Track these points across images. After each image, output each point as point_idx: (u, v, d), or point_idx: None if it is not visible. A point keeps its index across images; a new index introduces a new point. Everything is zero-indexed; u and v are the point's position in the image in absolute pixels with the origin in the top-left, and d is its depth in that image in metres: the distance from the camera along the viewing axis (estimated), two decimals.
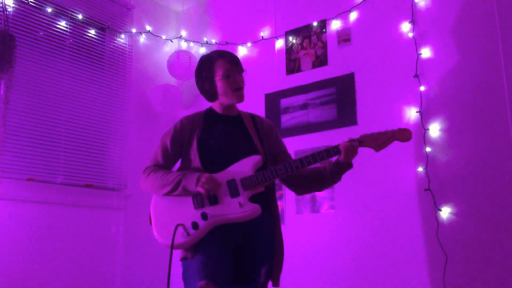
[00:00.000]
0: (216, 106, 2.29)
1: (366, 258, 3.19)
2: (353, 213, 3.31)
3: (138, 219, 3.72)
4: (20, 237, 3.21)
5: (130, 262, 3.83)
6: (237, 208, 2.00)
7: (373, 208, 3.23)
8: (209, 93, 2.24)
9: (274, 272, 2.14)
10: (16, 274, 3.15)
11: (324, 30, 3.70)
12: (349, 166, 2.09)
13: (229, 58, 2.22)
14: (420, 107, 3.14)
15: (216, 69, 2.19)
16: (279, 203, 3.55)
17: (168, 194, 2.09)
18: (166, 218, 2.08)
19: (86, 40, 3.87)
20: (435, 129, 3.08)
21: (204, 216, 1.99)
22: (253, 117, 2.33)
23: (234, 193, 2.03)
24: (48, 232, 3.36)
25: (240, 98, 2.22)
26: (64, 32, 3.71)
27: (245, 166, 2.07)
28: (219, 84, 2.19)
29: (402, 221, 3.09)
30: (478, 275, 2.79)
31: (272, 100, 3.85)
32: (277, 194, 3.56)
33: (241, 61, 2.30)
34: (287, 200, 3.60)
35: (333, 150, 2.04)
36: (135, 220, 3.86)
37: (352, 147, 2.02)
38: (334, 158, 2.09)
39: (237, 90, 2.19)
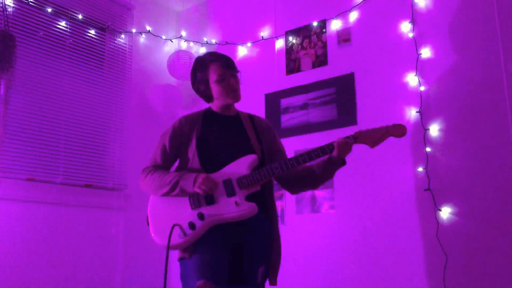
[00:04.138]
0: (214, 106, 2.30)
1: (366, 258, 3.19)
2: (353, 213, 3.31)
3: (138, 219, 3.69)
4: (20, 237, 3.21)
5: (130, 262, 3.83)
6: (233, 208, 2.00)
7: (373, 208, 3.22)
8: (205, 95, 2.27)
9: (271, 271, 2.14)
10: (16, 274, 3.15)
11: (324, 30, 3.70)
12: (342, 163, 2.09)
13: (222, 62, 2.22)
14: (420, 107, 3.13)
15: (210, 73, 2.21)
16: (279, 203, 3.56)
17: (166, 194, 2.10)
18: (163, 219, 2.08)
19: (86, 40, 3.87)
20: (435, 129, 3.08)
21: (201, 216, 2.00)
22: (251, 117, 2.34)
23: (230, 193, 2.04)
24: (48, 232, 3.36)
25: (236, 99, 2.24)
26: (64, 32, 3.71)
27: (241, 166, 2.08)
28: (214, 87, 2.22)
29: (402, 221, 3.09)
30: (478, 275, 2.79)
31: (272, 100, 3.85)
32: (277, 194, 3.56)
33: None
34: (287, 200, 3.60)
35: (328, 148, 2.05)
36: (135, 220, 3.85)
37: (347, 143, 2.03)
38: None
39: (232, 92, 2.21)
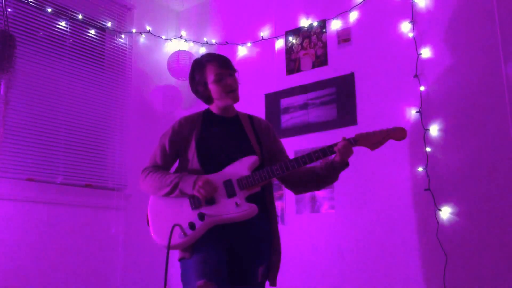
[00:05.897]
0: (213, 107, 2.30)
1: (365, 258, 3.19)
2: (353, 213, 3.31)
3: (138, 219, 3.71)
4: (19, 237, 3.21)
5: (130, 262, 3.84)
6: (234, 208, 2.01)
7: (373, 208, 3.22)
8: (204, 96, 2.27)
9: (271, 272, 2.15)
10: (16, 274, 3.15)
11: (324, 30, 3.70)
12: (345, 165, 2.10)
13: (219, 62, 2.22)
14: (420, 107, 3.13)
15: (208, 74, 2.21)
16: (279, 203, 3.56)
17: (166, 195, 2.11)
18: (164, 218, 2.08)
19: (86, 40, 3.87)
20: (435, 129, 3.08)
21: (201, 217, 2.00)
22: (250, 118, 2.34)
23: (231, 193, 2.04)
24: (48, 232, 3.37)
25: (235, 99, 2.24)
26: (64, 32, 3.71)
27: (241, 166, 2.08)
28: (212, 88, 2.21)
29: (402, 221, 3.09)
30: (478, 275, 2.79)
31: (272, 100, 3.85)
32: (277, 194, 3.56)
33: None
34: (287, 200, 3.60)
35: (329, 150, 2.05)
36: (135, 220, 3.86)
37: (348, 146, 2.04)
38: (331, 157, 2.10)
39: (230, 92, 2.20)
